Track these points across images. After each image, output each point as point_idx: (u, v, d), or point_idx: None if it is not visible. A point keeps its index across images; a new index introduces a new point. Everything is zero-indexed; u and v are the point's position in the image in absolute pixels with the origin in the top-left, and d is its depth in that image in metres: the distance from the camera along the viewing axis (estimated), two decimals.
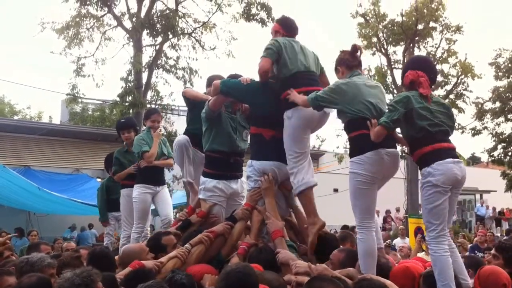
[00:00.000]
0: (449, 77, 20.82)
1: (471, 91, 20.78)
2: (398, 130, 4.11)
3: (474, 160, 47.68)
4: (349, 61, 4.29)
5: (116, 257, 4.28)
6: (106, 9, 15.46)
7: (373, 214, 4.04)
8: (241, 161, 5.10)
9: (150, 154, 5.98)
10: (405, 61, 20.58)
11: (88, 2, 15.15)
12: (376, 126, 3.84)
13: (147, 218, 6.24)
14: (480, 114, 21.53)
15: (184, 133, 5.59)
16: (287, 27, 4.74)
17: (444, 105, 4.08)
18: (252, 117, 4.81)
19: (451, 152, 3.83)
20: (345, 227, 10.64)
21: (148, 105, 15.10)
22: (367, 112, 3.96)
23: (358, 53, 4.33)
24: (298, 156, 4.41)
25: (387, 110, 3.92)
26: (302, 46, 4.61)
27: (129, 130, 6.71)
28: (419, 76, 4.03)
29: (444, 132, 3.88)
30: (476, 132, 21.67)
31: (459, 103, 20.75)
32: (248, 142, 5.06)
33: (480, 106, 21.33)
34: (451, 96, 20.72)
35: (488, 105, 22.49)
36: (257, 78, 4.62)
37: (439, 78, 20.97)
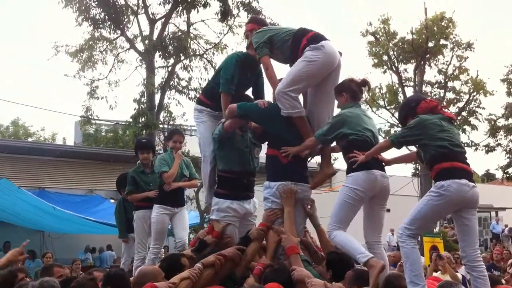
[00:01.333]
0: (461, 94, 20.78)
1: (483, 108, 20.75)
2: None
3: (488, 177, 47.17)
4: (355, 93, 4.48)
5: (131, 279, 4.28)
6: (119, 32, 15.68)
7: (347, 225, 4.26)
8: (253, 181, 5.11)
9: (169, 175, 5.96)
10: (416, 78, 20.62)
11: (101, 26, 15.37)
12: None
13: (164, 239, 6.23)
14: (494, 131, 21.42)
15: None
16: (260, 22, 5.12)
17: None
18: (268, 139, 4.83)
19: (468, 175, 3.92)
20: None
21: (161, 126, 15.21)
22: (370, 136, 4.24)
23: (366, 88, 4.53)
24: None
25: (400, 129, 4.05)
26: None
27: (148, 151, 6.70)
28: (431, 103, 4.18)
29: (464, 153, 4.00)
30: (490, 149, 21.52)
31: (472, 120, 20.66)
32: (258, 157, 5.10)
33: (493, 123, 21.22)
34: (464, 113, 20.66)
35: (501, 122, 22.37)
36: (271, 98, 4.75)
37: (451, 95, 20.96)
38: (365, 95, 4.57)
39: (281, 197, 4.50)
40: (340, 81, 4.63)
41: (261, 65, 4.78)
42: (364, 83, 4.52)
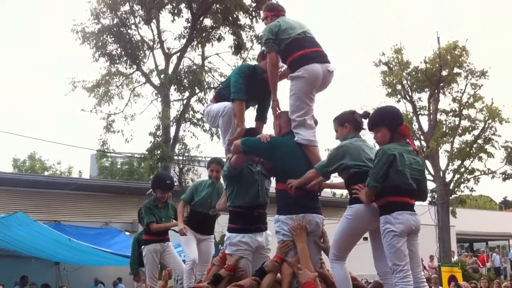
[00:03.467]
0: (476, 122, 20.66)
1: (499, 136, 20.56)
2: None
3: (506, 205, 46.55)
4: (359, 124, 4.51)
5: None
6: (135, 67, 15.96)
7: (346, 254, 4.33)
8: (265, 213, 5.09)
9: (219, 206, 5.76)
10: (431, 107, 20.59)
11: (117, 61, 15.67)
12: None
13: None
14: (510, 158, 21.15)
15: None
16: (272, 8, 5.13)
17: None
18: (276, 174, 4.84)
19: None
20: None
21: (176, 158, 15.30)
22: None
23: (367, 120, 4.51)
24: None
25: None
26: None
27: (169, 192, 6.93)
28: (407, 130, 4.33)
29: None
30: (506, 176, 21.20)
31: (488, 147, 20.48)
32: (269, 189, 5.09)
33: (509, 150, 20.97)
34: (480, 141, 20.50)
35: None
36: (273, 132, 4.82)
37: (466, 123, 20.87)
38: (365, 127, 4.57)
39: (292, 235, 4.49)
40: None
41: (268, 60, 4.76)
42: (366, 115, 4.51)
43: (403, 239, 4.02)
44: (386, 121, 4.27)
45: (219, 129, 5.29)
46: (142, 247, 6.83)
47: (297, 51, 4.63)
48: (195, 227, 6.26)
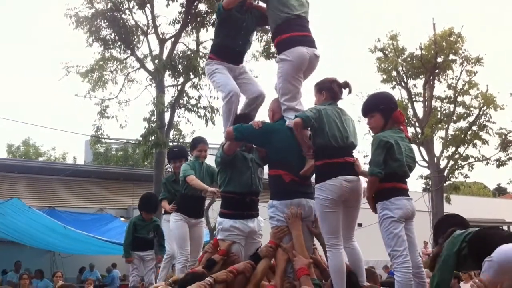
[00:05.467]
0: (471, 108, 20.69)
1: (494, 122, 20.60)
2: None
3: (500, 191, 46.84)
4: (336, 94, 4.51)
5: None
6: (129, 52, 15.83)
7: (339, 233, 4.27)
8: (257, 200, 5.10)
9: (194, 182, 5.88)
10: (426, 93, 20.59)
11: (111, 46, 15.54)
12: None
13: (187, 245, 6.21)
14: (504, 145, 21.22)
15: None
16: None
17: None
18: (269, 159, 4.82)
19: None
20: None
21: (170, 144, 15.26)
22: (334, 143, 4.22)
23: (347, 91, 4.55)
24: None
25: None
26: None
27: (181, 160, 6.79)
28: (402, 117, 4.41)
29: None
30: (501, 163, 21.28)
31: (483, 134, 20.54)
32: (261, 178, 5.10)
33: (504, 137, 21.05)
34: (474, 128, 20.54)
35: None
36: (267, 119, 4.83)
37: (461, 110, 20.91)
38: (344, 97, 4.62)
39: (287, 222, 4.48)
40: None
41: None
42: (346, 85, 4.55)
43: (401, 224, 4.03)
44: (381, 106, 4.28)
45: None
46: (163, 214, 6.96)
47: (284, 33, 4.67)
48: (188, 212, 6.26)
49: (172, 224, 6.25)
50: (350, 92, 4.58)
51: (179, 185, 6.56)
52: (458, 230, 3.77)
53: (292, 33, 4.64)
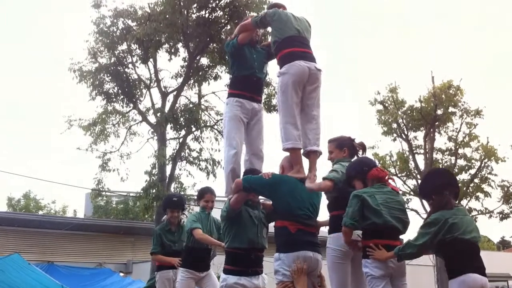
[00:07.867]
0: (473, 161, 20.69)
1: (495, 175, 20.55)
2: None
3: (504, 245, 46.20)
4: (355, 152, 4.76)
5: None
6: (131, 105, 16.02)
7: (348, 285, 4.32)
8: (262, 256, 5.00)
9: (201, 236, 5.80)
10: (426, 145, 20.64)
11: (114, 100, 15.74)
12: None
13: None
14: (507, 197, 21.12)
15: None
16: (274, 5, 5.19)
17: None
18: (276, 211, 4.77)
19: None
20: None
21: None
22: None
23: (360, 151, 4.81)
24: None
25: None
26: (294, 14, 4.99)
27: (178, 210, 6.63)
28: (381, 173, 4.41)
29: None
30: (504, 216, 21.10)
31: (485, 187, 20.45)
32: (266, 237, 5.03)
33: (506, 189, 20.96)
34: (476, 180, 20.47)
35: None
36: (277, 171, 4.79)
37: (462, 162, 20.89)
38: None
39: (292, 278, 4.40)
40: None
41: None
42: (363, 146, 4.82)
43: (384, 281, 3.98)
44: (353, 173, 4.41)
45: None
46: (155, 272, 6.58)
47: (285, 48, 4.76)
48: (196, 266, 6.08)
49: (179, 281, 6.01)
50: (364, 153, 4.81)
51: (174, 235, 6.43)
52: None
53: (293, 48, 4.74)
